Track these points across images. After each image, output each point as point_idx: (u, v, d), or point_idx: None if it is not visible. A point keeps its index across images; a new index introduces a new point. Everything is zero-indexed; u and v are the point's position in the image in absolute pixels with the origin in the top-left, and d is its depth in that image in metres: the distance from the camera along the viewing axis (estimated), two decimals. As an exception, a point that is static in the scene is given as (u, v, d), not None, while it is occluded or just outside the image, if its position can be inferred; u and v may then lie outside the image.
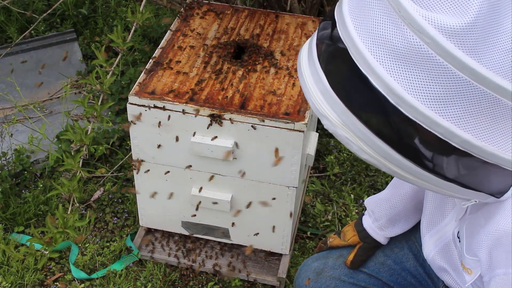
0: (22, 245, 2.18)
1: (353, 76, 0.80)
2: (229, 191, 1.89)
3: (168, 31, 2.02)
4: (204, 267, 2.10)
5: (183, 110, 1.73)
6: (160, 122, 1.76)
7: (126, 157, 2.44)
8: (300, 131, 1.69)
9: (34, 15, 2.68)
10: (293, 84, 1.81)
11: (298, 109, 1.72)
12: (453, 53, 0.74)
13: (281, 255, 2.10)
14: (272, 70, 1.87)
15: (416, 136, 0.79)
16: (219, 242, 2.14)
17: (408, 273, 1.47)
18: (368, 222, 1.50)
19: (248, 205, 1.89)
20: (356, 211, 2.37)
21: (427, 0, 0.75)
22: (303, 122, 1.67)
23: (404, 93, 0.77)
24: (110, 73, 2.06)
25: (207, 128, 1.73)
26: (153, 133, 1.80)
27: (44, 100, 2.81)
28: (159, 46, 1.95)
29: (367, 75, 0.79)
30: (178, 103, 1.73)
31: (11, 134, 2.55)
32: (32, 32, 3.07)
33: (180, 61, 1.88)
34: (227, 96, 1.76)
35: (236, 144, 1.75)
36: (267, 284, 2.09)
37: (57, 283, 2.10)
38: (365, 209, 1.53)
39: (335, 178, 2.51)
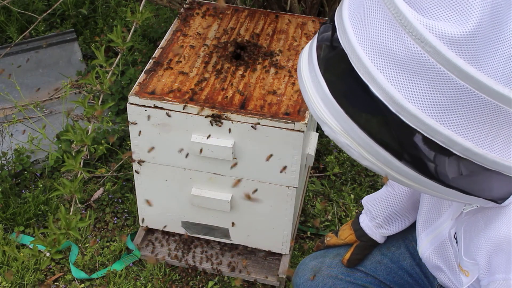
0: (22, 245, 2.19)
1: (354, 84, 0.80)
2: (229, 191, 1.89)
3: (168, 31, 2.02)
4: (204, 266, 2.10)
5: (183, 110, 1.73)
6: (160, 122, 1.76)
7: (126, 157, 2.44)
8: (300, 131, 1.68)
9: (34, 15, 2.68)
10: (293, 84, 1.81)
11: (298, 109, 1.72)
12: (454, 62, 0.73)
13: (281, 255, 2.10)
14: (272, 70, 1.87)
15: (416, 144, 0.79)
16: (219, 242, 2.14)
17: (405, 272, 1.47)
18: (364, 221, 1.50)
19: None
20: (356, 211, 2.37)
21: (428, 8, 0.75)
22: (303, 122, 1.67)
23: (404, 102, 0.77)
24: (110, 73, 2.06)
25: (207, 128, 1.73)
26: (153, 133, 1.80)
27: (44, 100, 2.81)
28: (159, 46, 1.95)
29: (368, 83, 0.79)
30: (178, 103, 1.73)
31: (11, 134, 2.56)
32: (32, 32, 3.07)
33: (180, 61, 1.88)
34: (227, 96, 1.76)
35: (236, 144, 1.75)
36: (267, 284, 2.09)
37: (57, 283, 2.10)
38: (363, 208, 1.53)
39: (335, 178, 2.51)
